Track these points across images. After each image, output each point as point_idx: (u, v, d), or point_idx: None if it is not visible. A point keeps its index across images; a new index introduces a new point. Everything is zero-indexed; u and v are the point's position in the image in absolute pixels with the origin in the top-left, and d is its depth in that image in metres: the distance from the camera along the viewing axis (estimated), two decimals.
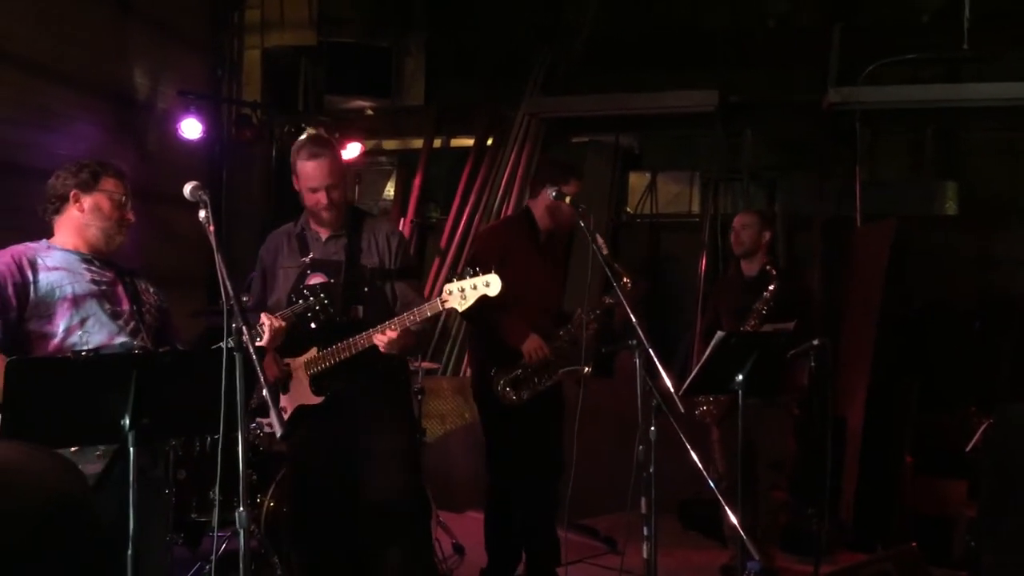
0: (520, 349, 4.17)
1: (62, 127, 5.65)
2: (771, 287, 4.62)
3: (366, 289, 3.56)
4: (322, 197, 3.56)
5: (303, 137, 3.64)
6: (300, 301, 3.33)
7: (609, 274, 3.68)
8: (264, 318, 3.28)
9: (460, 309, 3.31)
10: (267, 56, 7.54)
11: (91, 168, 3.13)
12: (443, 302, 3.30)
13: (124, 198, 3.14)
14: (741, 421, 3.76)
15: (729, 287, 5.12)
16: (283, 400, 3.60)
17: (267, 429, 3.73)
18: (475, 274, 3.26)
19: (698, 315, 7.11)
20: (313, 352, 3.54)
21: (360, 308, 3.54)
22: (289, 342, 3.46)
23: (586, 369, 4.11)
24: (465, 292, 3.27)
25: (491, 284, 3.25)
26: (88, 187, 3.10)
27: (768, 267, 4.72)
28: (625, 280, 4.14)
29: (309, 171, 3.56)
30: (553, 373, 4.24)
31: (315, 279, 3.57)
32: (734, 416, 3.82)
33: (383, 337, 3.37)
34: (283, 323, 3.27)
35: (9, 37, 5.30)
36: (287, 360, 3.59)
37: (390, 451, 3.58)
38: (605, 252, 3.99)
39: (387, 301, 3.60)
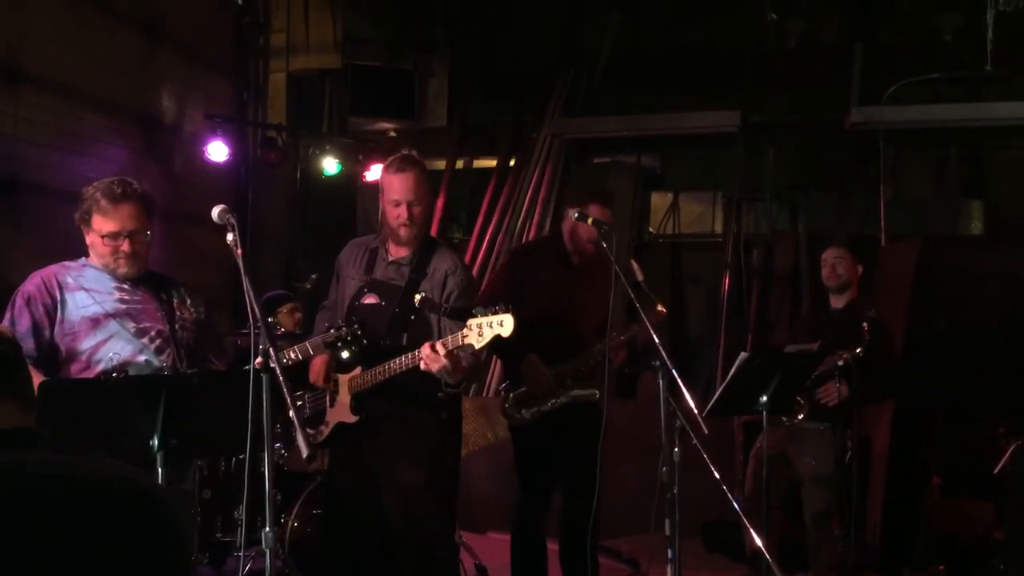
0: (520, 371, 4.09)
1: (90, 150, 5.72)
2: (860, 348, 4.37)
3: (412, 318, 3.58)
4: (403, 212, 3.57)
5: (395, 156, 3.68)
6: (332, 331, 3.41)
7: (634, 298, 3.66)
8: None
9: (476, 346, 3.29)
10: (292, 79, 7.61)
11: (87, 205, 3.07)
12: (463, 336, 3.30)
13: (111, 235, 3.05)
14: (767, 438, 3.76)
15: (810, 323, 5.02)
16: (328, 414, 3.66)
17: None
18: (495, 312, 3.25)
19: (721, 334, 7.09)
20: (358, 371, 3.58)
21: (404, 336, 3.55)
22: (338, 360, 3.58)
23: (596, 394, 4.03)
24: (482, 329, 3.25)
25: (504, 324, 3.23)
26: (84, 223, 3.11)
27: (859, 307, 4.61)
28: (660, 308, 4.09)
29: (395, 184, 3.60)
30: (562, 395, 4.11)
31: (369, 299, 3.64)
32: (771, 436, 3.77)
33: (427, 350, 3.32)
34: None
35: (39, 62, 5.39)
36: (336, 375, 3.65)
37: (410, 483, 3.56)
38: (640, 278, 3.95)
39: (433, 333, 3.58)
